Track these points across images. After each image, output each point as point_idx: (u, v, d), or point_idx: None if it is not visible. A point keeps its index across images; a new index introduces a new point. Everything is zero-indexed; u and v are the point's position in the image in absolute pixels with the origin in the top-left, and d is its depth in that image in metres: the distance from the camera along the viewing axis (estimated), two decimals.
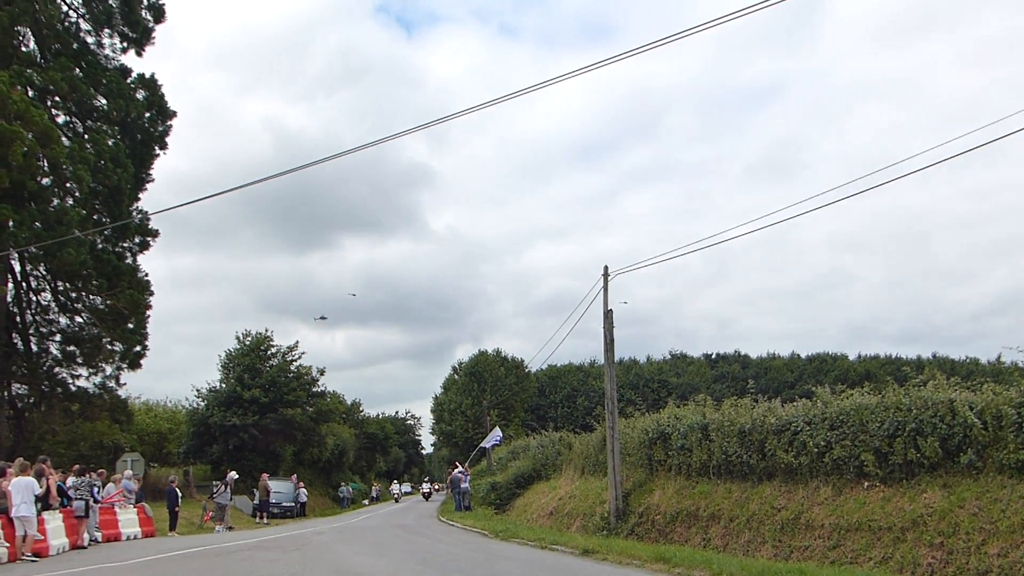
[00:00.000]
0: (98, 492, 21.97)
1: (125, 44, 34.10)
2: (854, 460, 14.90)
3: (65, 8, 32.51)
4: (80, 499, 20.50)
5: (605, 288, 22.77)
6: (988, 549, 11.65)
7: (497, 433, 47.67)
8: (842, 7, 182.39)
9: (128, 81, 33.79)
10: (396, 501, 70.81)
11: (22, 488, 16.69)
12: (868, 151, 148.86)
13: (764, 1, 12.32)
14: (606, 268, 22.83)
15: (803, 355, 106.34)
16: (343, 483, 64.74)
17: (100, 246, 32.44)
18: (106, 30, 33.84)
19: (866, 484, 14.66)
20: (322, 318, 72.13)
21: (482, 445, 48.79)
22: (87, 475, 21.68)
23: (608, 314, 22.53)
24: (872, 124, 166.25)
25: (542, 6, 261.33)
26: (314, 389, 55.61)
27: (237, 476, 35.44)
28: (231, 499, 31.52)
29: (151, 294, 33.95)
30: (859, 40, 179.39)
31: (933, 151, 15.46)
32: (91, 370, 33.85)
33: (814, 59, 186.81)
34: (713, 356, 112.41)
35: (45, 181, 30.87)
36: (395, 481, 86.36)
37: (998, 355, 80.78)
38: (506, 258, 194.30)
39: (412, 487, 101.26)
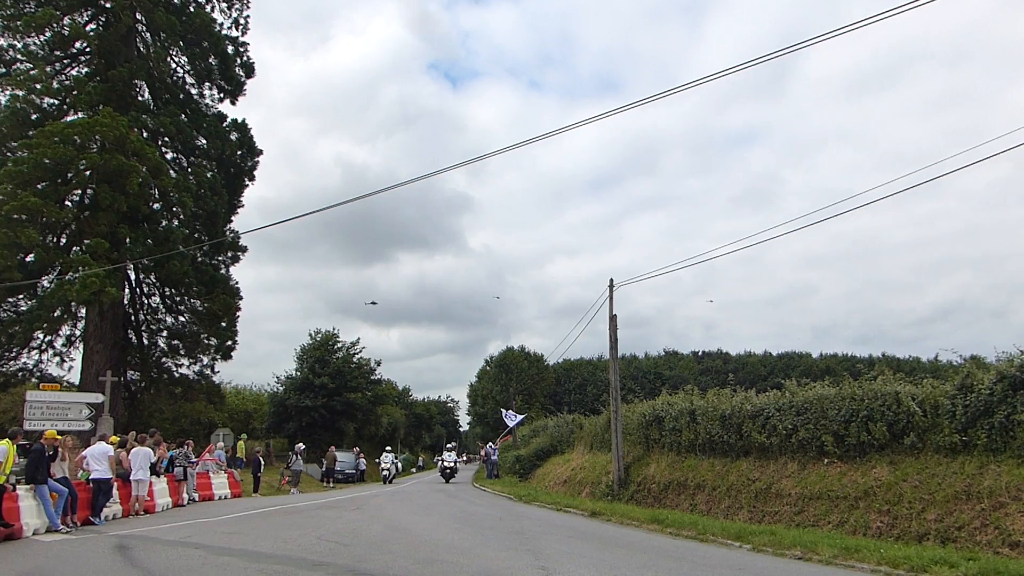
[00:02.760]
0: (193, 460, 22.30)
1: (222, 95, 34.67)
2: (816, 441, 14.88)
3: (173, 65, 33.07)
4: (180, 466, 20.89)
5: (611, 297, 22.79)
6: (927, 515, 11.61)
7: (515, 416, 47.27)
8: (811, 68, 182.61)
9: (224, 125, 34.27)
10: (386, 483, 38.96)
11: (140, 457, 17.00)
12: (830, 185, 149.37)
13: (746, 63, 12.41)
14: (611, 280, 22.88)
15: (774, 353, 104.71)
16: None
17: (200, 259, 32.89)
18: (206, 83, 34.42)
19: (826, 461, 14.62)
20: (372, 303, 72.66)
21: (507, 420, 48.05)
22: (184, 446, 22.03)
23: (613, 319, 22.54)
24: (834, 163, 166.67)
25: (564, 65, 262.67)
26: (372, 377, 55.87)
27: (304, 447, 35.34)
28: (304, 467, 31.67)
29: (241, 298, 34.28)
30: (825, 95, 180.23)
31: (883, 186, 15.46)
32: (191, 360, 34.26)
33: (787, 109, 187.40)
34: (700, 353, 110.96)
35: (156, 206, 31.47)
36: (386, 450, 45.64)
37: (935, 355, 79.29)
38: (530, 271, 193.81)
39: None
